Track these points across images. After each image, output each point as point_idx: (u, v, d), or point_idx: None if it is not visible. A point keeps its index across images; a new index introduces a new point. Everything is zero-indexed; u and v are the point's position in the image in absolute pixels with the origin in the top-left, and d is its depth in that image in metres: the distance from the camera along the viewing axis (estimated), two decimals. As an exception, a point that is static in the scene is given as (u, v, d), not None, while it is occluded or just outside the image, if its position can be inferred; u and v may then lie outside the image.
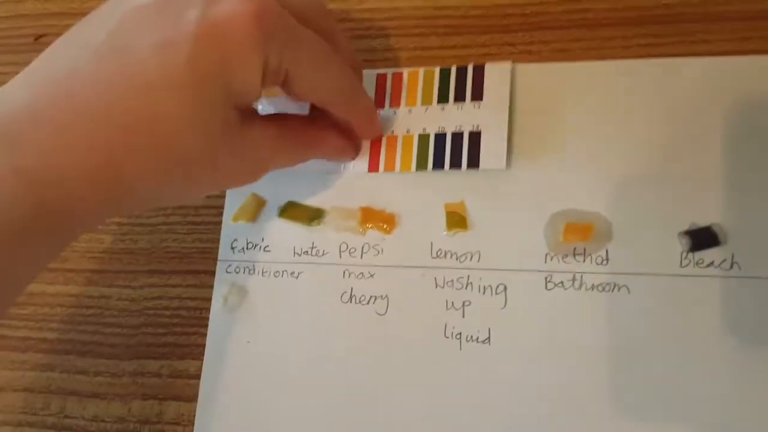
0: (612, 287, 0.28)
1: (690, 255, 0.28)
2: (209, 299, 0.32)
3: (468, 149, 0.30)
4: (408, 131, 0.32)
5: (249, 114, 0.27)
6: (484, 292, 0.29)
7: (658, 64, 0.30)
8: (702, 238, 0.28)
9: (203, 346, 0.31)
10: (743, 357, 0.26)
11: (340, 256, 0.31)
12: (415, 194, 0.31)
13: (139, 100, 0.23)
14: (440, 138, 0.31)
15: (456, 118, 0.31)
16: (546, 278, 0.29)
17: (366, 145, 0.32)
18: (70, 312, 0.33)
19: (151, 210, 0.34)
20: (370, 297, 0.30)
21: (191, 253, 0.33)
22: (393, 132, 0.32)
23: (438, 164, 0.31)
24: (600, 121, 0.30)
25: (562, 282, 0.29)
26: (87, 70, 0.23)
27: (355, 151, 0.32)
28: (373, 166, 0.32)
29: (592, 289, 0.28)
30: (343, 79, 0.28)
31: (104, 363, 0.32)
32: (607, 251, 0.29)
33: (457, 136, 0.31)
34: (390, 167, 0.31)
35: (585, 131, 0.30)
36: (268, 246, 0.32)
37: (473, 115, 0.31)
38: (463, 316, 0.29)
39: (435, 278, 0.30)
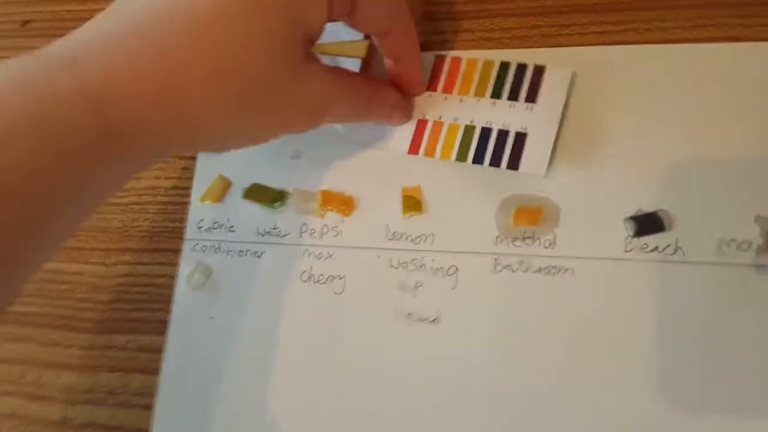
0: (558, 270, 0.29)
1: (635, 240, 0.28)
2: (175, 277, 0.33)
3: (511, 150, 0.30)
4: (455, 120, 0.31)
5: (312, 56, 0.27)
6: (436, 274, 0.30)
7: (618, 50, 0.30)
8: (647, 224, 0.28)
9: (168, 322, 0.33)
10: (684, 341, 0.27)
11: (301, 237, 0.32)
12: (374, 178, 0.32)
13: (201, 31, 0.23)
14: (485, 132, 0.31)
15: (505, 116, 0.31)
16: (495, 261, 0.30)
17: (411, 127, 0.32)
18: (46, 287, 0.35)
19: (123, 190, 0.35)
20: (328, 276, 0.31)
21: (161, 232, 0.34)
22: (440, 118, 0.32)
23: (478, 159, 0.31)
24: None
25: (510, 265, 0.29)
26: (152, 5, 0.23)
27: (407, 112, 0.32)
28: (413, 149, 0.32)
29: (539, 272, 0.29)
30: (402, 8, 0.28)
31: (77, 336, 0.34)
32: (555, 235, 0.29)
33: (503, 134, 0.30)
34: (430, 152, 0.31)
35: (539, 118, 0.31)
36: (233, 226, 0.33)
37: (523, 117, 0.30)
38: (415, 297, 0.30)
39: (390, 259, 0.31)
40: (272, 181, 0.33)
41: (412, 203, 0.31)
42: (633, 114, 0.30)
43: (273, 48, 0.24)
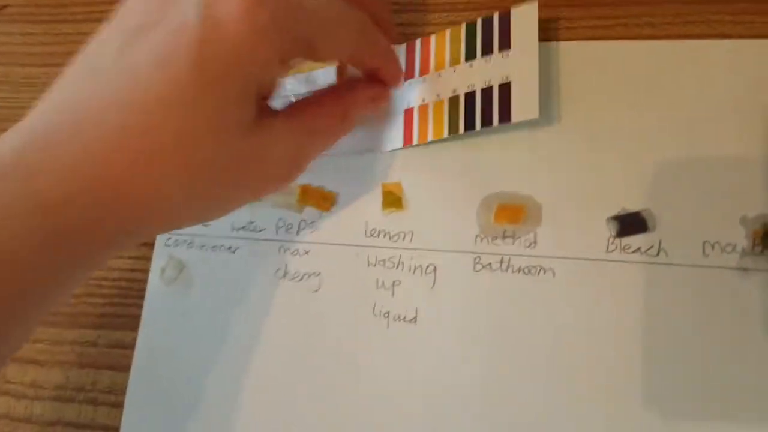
0: (538, 270, 0.28)
1: (617, 240, 0.28)
2: (148, 272, 0.32)
3: (498, 104, 0.29)
4: (438, 96, 0.30)
5: (267, 110, 0.25)
6: (414, 272, 0.30)
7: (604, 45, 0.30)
8: (630, 224, 0.28)
9: (140, 317, 0.32)
10: (666, 344, 0.26)
11: (277, 233, 0.31)
12: (355, 173, 0.31)
13: (148, 119, 0.22)
14: (470, 97, 0.29)
15: (485, 72, 0.29)
16: (475, 260, 0.29)
17: (399, 121, 0.31)
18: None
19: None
20: (304, 274, 0.31)
21: None
22: (424, 101, 0.31)
23: (470, 125, 0.29)
24: (545, 105, 0.30)
25: (490, 264, 0.29)
26: (96, 96, 0.22)
27: (386, 94, 0.30)
28: (407, 140, 0.31)
29: (519, 272, 0.28)
30: (362, 23, 0.27)
31: (46, 331, 0.33)
32: (535, 234, 0.29)
33: (487, 92, 0.29)
34: (423, 138, 0.30)
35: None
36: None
37: (502, 66, 0.29)
38: (393, 295, 0.29)
39: (368, 257, 0.30)
40: (249, 174, 0.32)
41: (392, 199, 0.30)
42: (619, 111, 0.29)
43: (225, 122, 0.23)
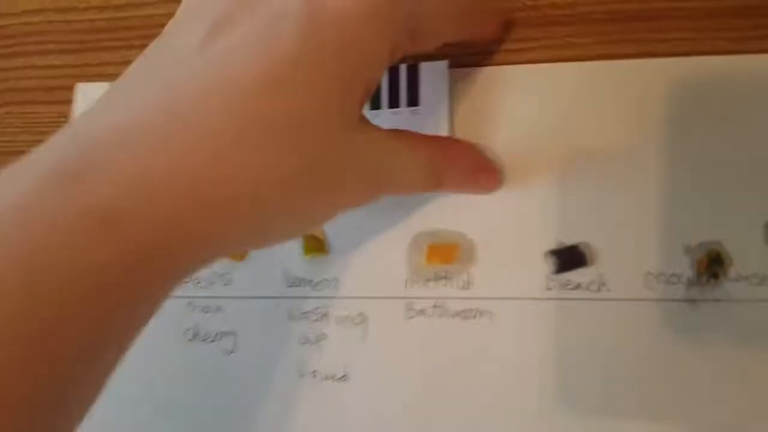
0: (475, 314, 0.26)
1: (556, 277, 0.26)
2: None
3: None
4: None
5: (364, 117, 0.22)
6: (341, 324, 0.27)
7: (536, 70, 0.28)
8: (569, 258, 0.26)
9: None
10: (616, 382, 0.24)
11: (185, 288, 0.28)
12: (270, 216, 0.28)
13: (241, 108, 0.19)
14: None
15: (392, 125, 0.27)
16: (407, 305, 0.26)
17: None
18: None
19: None
20: (216, 333, 0.27)
21: None
22: None
23: None
24: (467, 134, 0.28)
25: (423, 309, 0.26)
26: (182, 80, 0.19)
27: (495, 172, 0.27)
28: None
29: (455, 317, 0.26)
30: (466, 12, 0.25)
31: None
32: (469, 274, 0.26)
33: None
34: None
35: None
36: (104, 278, 0.28)
37: (409, 122, 0.27)
38: (320, 351, 0.27)
39: (289, 309, 0.27)
40: (150, 223, 0.29)
41: (314, 244, 0.28)
42: (546, 138, 0.27)
43: (329, 117, 0.20)
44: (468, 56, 0.28)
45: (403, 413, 0.25)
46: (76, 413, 0.19)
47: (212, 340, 0.27)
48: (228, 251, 0.24)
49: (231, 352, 0.27)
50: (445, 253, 0.27)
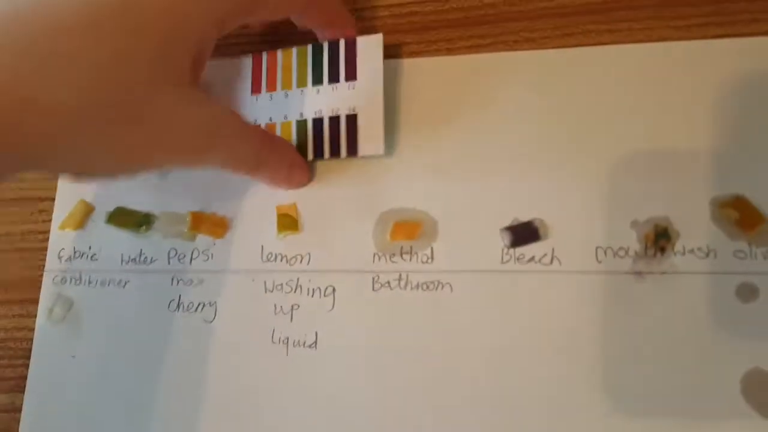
0: (436, 286, 0.28)
1: (511, 251, 0.27)
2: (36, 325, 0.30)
3: (346, 135, 0.28)
4: (285, 117, 0.29)
5: (199, 85, 0.24)
6: (312, 295, 0.29)
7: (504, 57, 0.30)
8: (523, 234, 0.27)
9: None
10: (566, 351, 0.26)
11: (169, 263, 0.30)
12: (248, 197, 0.30)
13: (67, 34, 0.21)
14: (318, 123, 0.29)
15: (331, 100, 0.29)
16: (373, 278, 0.28)
17: None
18: None
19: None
20: (198, 304, 0.29)
21: (18, 282, 0.31)
22: (271, 119, 0.30)
23: (318, 153, 0.29)
24: (430, 120, 0.29)
25: (389, 282, 0.28)
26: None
27: (308, 171, 0.30)
28: None
29: (417, 288, 0.28)
30: None
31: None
32: (432, 249, 0.28)
33: (334, 121, 0.29)
34: None
35: (413, 130, 0.30)
36: (95, 254, 0.31)
37: (349, 97, 0.29)
38: (291, 321, 0.28)
39: (265, 282, 0.29)
40: (138, 204, 0.31)
41: (288, 222, 0.30)
42: (505, 123, 0.29)
43: (152, 62, 0.22)
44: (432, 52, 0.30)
45: (368, 376, 0.27)
46: None
47: (194, 310, 0.29)
48: (46, 167, 0.25)
49: (211, 321, 0.29)
50: (408, 230, 0.28)
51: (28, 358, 0.30)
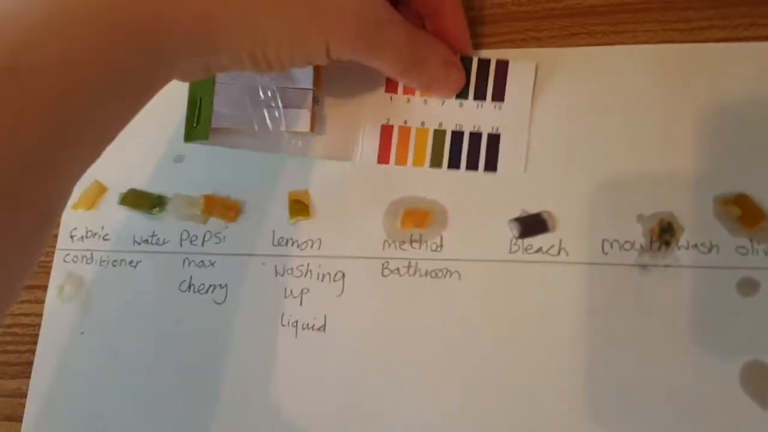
0: (445, 273, 0.28)
1: (520, 241, 0.28)
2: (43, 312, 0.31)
3: (486, 151, 0.29)
4: (423, 124, 0.30)
5: None
6: (322, 280, 0.29)
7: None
8: (531, 225, 0.28)
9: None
10: (570, 340, 0.26)
11: (181, 245, 0.30)
12: (261, 182, 0.31)
13: None
14: (457, 136, 0.29)
15: (475, 117, 0.29)
16: (383, 265, 0.29)
17: (376, 134, 0.30)
18: None
19: None
20: (209, 286, 0.30)
21: None
22: (406, 122, 0.30)
23: (454, 163, 0.29)
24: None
25: (398, 269, 0.29)
26: None
27: (462, 72, 0.29)
28: (383, 158, 0.30)
29: (426, 276, 0.28)
30: None
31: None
32: (441, 238, 0.29)
33: (475, 137, 0.29)
34: (402, 161, 0.30)
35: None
36: (107, 234, 0.31)
37: (494, 117, 0.29)
38: (301, 304, 0.29)
39: (275, 266, 0.30)
40: (152, 186, 0.31)
41: (299, 208, 0.30)
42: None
43: None
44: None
45: (375, 360, 0.28)
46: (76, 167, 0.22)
47: (205, 292, 0.30)
48: (219, 57, 0.23)
49: (221, 303, 0.29)
50: (418, 218, 0.29)
51: (35, 344, 0.30)
